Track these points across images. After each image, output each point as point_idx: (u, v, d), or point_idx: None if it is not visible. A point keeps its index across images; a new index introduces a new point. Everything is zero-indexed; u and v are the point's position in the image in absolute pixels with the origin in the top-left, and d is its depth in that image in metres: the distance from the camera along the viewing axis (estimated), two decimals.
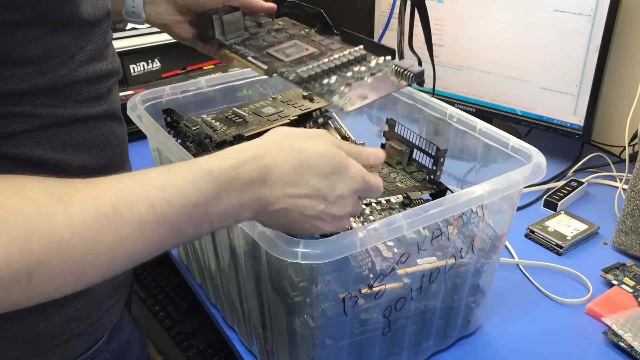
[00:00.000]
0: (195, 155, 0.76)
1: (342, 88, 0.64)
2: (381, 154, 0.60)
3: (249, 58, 0.69)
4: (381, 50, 0.70)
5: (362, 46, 0.71)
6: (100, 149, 0.59)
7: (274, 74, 0.66)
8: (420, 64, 0.88)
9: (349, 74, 0.66)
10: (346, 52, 0.69)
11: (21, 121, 0.50)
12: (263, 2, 0.76)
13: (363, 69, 0.67)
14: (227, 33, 0.73)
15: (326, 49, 0.71)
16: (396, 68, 0.67)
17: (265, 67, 0.66)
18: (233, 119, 0.85)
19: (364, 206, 0.73)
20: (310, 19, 0.77)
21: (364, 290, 0.63)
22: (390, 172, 0.83)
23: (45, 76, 0.50)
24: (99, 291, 0.61)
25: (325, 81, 0.65)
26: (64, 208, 0.41)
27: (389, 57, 0.69)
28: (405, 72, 0.66)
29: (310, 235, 0.57)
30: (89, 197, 0.43)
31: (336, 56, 0.68)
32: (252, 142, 0.53)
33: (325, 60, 0.67)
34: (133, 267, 0.72)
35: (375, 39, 1.28)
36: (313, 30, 0.76)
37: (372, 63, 0.68)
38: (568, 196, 1.07)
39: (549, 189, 1.11)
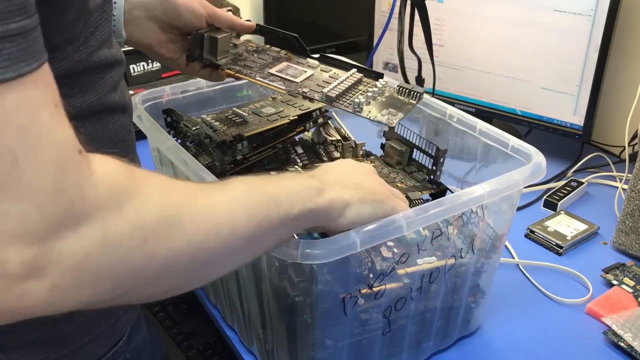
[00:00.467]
0: (195, 155, 0.76)
1: (366, 106, 0.70)
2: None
3: (257, 78, 0.73)
4: (371, 73, 0.77)
5: (355, 69, 0.76)
6: (115, 143, 0.58)
7: (297, 95, 0.70)
8: (420, 64, 0.88)
9: (367, 93, 0.73)
10: (348, 74, 0.75)
11: None
12: (245, 22, 0.78)
13: (374, 89, 0.73)
14: (218, 53, 0.76)
15: (324, 70, 0.76)
16: (401, 89, 0.74)
17: (284, 88, 0.71)
18: (233, 119, 0.85)
19: None
20: (281, 42, 0.81)
21: (364, 290, 0.63)
22: (390, 172, 0.83)
23: (62, 63, 0.49)
24: None
25: (352, 99, 0.71)
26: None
27: (383, 80, 0.76)
28: (412, 92, 0.74)
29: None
30: (250, 196, 0.49)
31: (342, 78, 0.74)
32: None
33: (336, 82, 0.73)
34: None
35: (375, 39, 1.28)
36: (290, 53, 0.80)
37: (379, 84, 0.75)
38: (568, 196, 1.07)
39: (549, 189, 1.11)
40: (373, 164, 0.86)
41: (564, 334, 0.81)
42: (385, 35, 1.17)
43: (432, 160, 0.81)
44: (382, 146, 0.88)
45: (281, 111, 0.87)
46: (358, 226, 0.58)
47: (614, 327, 0.79)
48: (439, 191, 0.79)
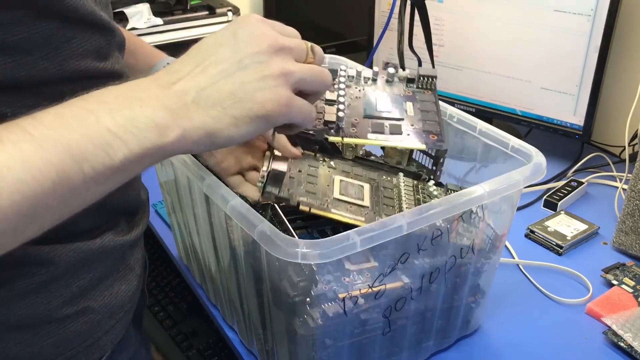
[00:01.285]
0: (195, 155, 0.76)
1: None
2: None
3: (333, 211, 0.67)
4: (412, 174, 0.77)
5: (402, 174, 0.76)
6: None
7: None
8: (420, 64, 0.88)
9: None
10: (395, 181, 0.75)
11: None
12: (294, 149, 0.68)
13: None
14: (283, 185, 0.68)
15: (373, 179, 0.75)
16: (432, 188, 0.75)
17: (362, 218, 0.67)
18: None
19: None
20: (310, 144, 0.77)
21: (364, 290, 0.63)
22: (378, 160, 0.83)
23: (22, 69, 0.45)
24: (99, 311, 0.57)
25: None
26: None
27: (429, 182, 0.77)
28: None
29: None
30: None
31: (402, 189, 0.74)
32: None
33: (403, 196, 0.72)
34: (144, 281, 0.70)
35: (375, 39, 1.28)
36: (324, 157, 0.77)
37: (431, 188, 0.75)
38: (568, 196, 1.07)
39: (549, 189, 1.11)
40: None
41: (564, 334, 0.81)
42: (385, 35, 1.17)
43: (432, 160, 0.81)
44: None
45: None
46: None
47: (614, 327, 0.79)
48: None
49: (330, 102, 0.68)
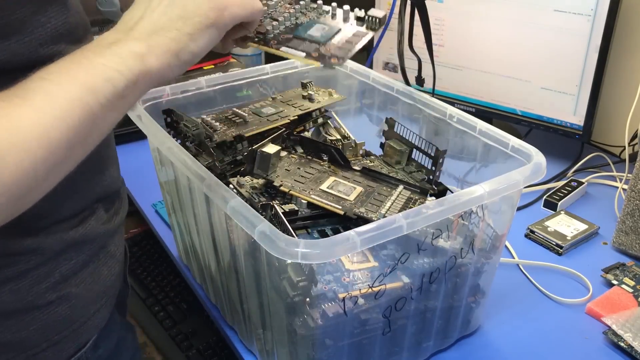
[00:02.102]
0: (195, 155, 0.76)
1: None
2: None
3: (313, 197, 0.71)
4: (416, 188, 0.77)
5: (402, 187, 0.76)
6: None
7: (354, 217, 0.69)
8: (420, 64, 0.88)
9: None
10: (397, 193, 0.75)
11: None
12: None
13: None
14: (270, 169, 0.75)
15: (371, 186, 0.76)
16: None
17: (340, 207, 0.70)
18: (233, 119, 0.85)
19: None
20: (320, 152, 0.81)
21: (364, 290, 0.63)
22: (389, 172, 0.83)
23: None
24: (82, 296, 0.59)
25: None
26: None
27: (431, 197, 0.76)
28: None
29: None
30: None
31: (393, 197, 0.74)
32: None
33: (389, 204, 0.72)
34: (125, 270, 0.71)
35: (375, 39, 1.28)
36: (334, 167, 0.79)
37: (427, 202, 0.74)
38: (568, 196, 1.07)
39: (549, 189, 1.11)
40: (372, 163, 0.86)
41: (564, 334, 0.81)
42: (385, 35, 1.16)
43: (431, 160, 0.81)
44: (382, 146, 0.88)
45: (281, 111, 0.87)
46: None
47: (614, 327, 0.79)
48: (439, 191, 0.79)
49: (273, 19, 0.71)
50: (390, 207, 0.71)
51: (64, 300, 0.57)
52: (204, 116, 0.86)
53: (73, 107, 0.44)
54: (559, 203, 1.05)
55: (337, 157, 0.80)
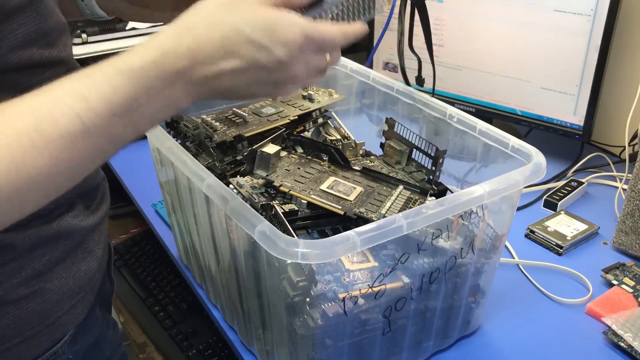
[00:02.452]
0: (195, 155, 0.76)
1: None
2: None
3: (313, 196, 0.71)
4: (416, 189, 0.77)
5: (402, 187, 0.76)
6: None
7: (354, 216, 0.69)
8: (420, 64, 0.88)
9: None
10: (397, 193, 0.75)
11: None
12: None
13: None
14: (269, 168, 0.76)
15: (371, 186, 0.76)
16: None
17: (340, 207, 0.70)
18: (233, 119, 0.85)
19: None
20: (321, 152, 0.81)
21: (364, 290, 0.63)
22: (389, 172, 0.83)
23: None
24: (56, 291, 0.58)
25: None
26: None
27: (431, 197, 0.76)
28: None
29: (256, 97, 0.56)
30: (6, 122, 0.42)
31: (393, 197, 0.74)
32: (172, 27, 0.49)
33: (389, 204, 0.72)
34: (108, 265, 0.71)
35: (375, 39, 1.28)
36: (333, 167, 0.79)
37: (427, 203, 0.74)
38: (568, 196, 1.07)
39: (549, 189, 1.11)
40: (372, 163, 0.86)
41: (564, 334, 0.81)
42: (385, 35, 1.16)
43: (431, 160, 0.81)
44: (382, 146, 0.88)
45: (281, 111, 0.87)
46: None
47: (614, 327, 0.79)
48: (439, 192, 0.79)
49: None
50: (390, 207, 0.71)
51: (37, 295, 0.56)
52: (204, 116, 0.86)
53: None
54: (559, 203, 1.05)
55: (337, 157, 0.80)
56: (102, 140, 0.46)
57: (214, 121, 0.84)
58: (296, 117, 0.87)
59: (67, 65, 0.57)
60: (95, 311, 0.67)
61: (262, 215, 0.59)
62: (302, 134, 0.87)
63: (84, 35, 1.19)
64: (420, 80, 0.91)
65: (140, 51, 0.47)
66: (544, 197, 1.08)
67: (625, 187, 0.97)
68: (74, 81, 0.45)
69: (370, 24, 1.35)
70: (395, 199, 0.73)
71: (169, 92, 0.48)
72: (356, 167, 0.80)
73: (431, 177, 0.80)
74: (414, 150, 0.84)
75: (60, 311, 0.59)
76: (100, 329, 0.68)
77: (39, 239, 0.55)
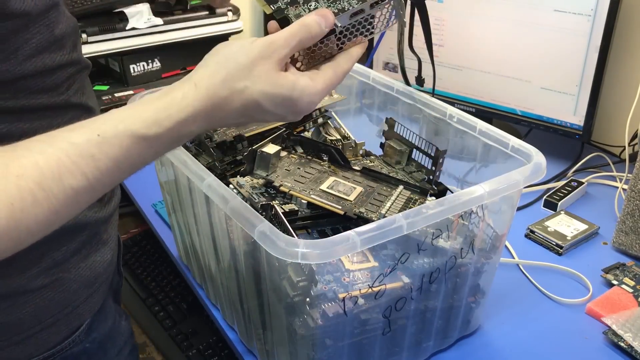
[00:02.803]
0: (195, 155, 0.76)
1: None
2: (323, 15, 0.54)
3: (313, 197, 0.71)
4: (416, 189, 0.77)
5: (402, 187, 0.77)
6: None
7: (354, 216, 0.69)
8: (420, 64, 0.88)
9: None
10: (397, 193, 0.75)
11: None
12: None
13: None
14: (270, 168, 0.76)
15: (371, 186, 0.76)
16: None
17: (340, 207, 0.70)
18: None
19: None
20: (321, 152, 0.82)
21: (364, 290, 0.63)
22: (389, 172, 0.83)
23: None
24: (75, 280, 0.60)
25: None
26: None
27: (431, 197, 0.77)
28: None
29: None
30: (9, 177, 0.42)
31: (393, 198, 0.74)
32: (193, 90, 0.50)
33: (389, 204, 0.72)
34: (118, 258, 0.72)
35: (375, 39, 1.28)
36: (333, 167, 0.80)
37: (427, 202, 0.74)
38: (568, 196, 1.07)
39: (549, 189, 1.11)
40: (372, 163, 0.86)
41: (564, 334, 0.81)
42: (385, 35, 1.17)
43: (431, 160, 0.81)
44: (382, 146, 0.88)
45: None
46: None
47: (614, 327, 0.79)
48: (439, 192, 0.79)
49: None
50: (390, 207, 0.71)
51: (56, 284, 0.58)
52: None
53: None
54: (559, 203, 1.05)
55: (337, 157, 0.80)
56: (103, 190, 0.47)
57: None
58: None
59: (77, 66, 0.58)
60: (109, 301, 0.69)
61: (262, 215, 0.59)
62: (302, 134, 0.87)
63: (84, 35, 1.19)
64: (420, 80, 0.91)
65: (160, 116, 0.48)
66: (544, 197, 1.08)
67: (625, 187, 0.97)
68: (84, 135, 0.45)
69: None
70: (395, 199, 0.73)
71: (180, 144, 0.52)
72: (356, 167, 0.80)
73: (431, 177, 0.80)
74: (414, 150, 0.84)
75: (78, 300, 0.61)
76: (114, 319, 0.70)
77: (57, 230, 0.56)
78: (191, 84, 0.50)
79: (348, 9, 0.59)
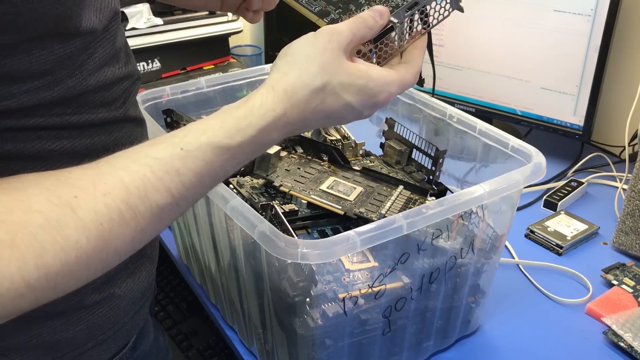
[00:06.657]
0: None
1: None
2: (377, 9, 0.56)
3: (313, 197, 0.72)
4: (416, 189, 0.78)
5: (402, 187, 0.77)
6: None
7: (354, 217, 0.69)
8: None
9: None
10: (397, 193, 0.76)
11: (38, 134, 0.48)
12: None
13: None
14: (270, 169, 0.76)
15: (371, 186, 0.76)
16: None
17: (340, 207, 0.70)
18: None
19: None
20: (321, 152, 0.82)
21: (364, 290, 0.63)
22: (389, 172, 0.83)
23: (54, 89, 0.48)
24: (124, 297, 0.59)
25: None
26: (72, 212, 0.40)
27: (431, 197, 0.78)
28: None
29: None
30: (97, 196, 0.41)
31: (393, 198, 0.75)
32: (272, 94, 0.49)
33: (389, 204, 0.73)
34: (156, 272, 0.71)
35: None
36: (333, 167, 0.80)
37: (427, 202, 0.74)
38: (568, 196, 1.07)
39: (549, 189, 1.11)
40: (372, 163, 0.86)
41: (564, 334, 0.81)
42: None
43: (431, 160, 0.81)
44: (382, 146, 0.88)
45: None
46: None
47: (614, 327, 0.79)
48: (439, 192, 0.79)
49: None
50: (390, 207, 0.71)
51: (108, 301, 0.57)
52: (204, 116, 0.86)
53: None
54: (559, 203, 1.05)
55: (337, 157, 0.80)
56: (187, 206, 0.47)
57: None
58: None
59: (131, 79, 0.59)
60: (148, 317, 0.68)
61: (262, 215, 0.59)
62: (302, 134, 0.87)
63: None
64: (420, 80, 0.91)
65: (241, 125, 0.47)
66: (544, 197, 1.08)
67: (625, 187, 0.97)
68: (167, 149, 0.45)
69: None
70: (395, 199, 0.73)
71: (259, 154, 0.51)
72: (356, 167, 0.80)
73: (431, 177, 0.80)
74: (414, 150, 0.84)
75: (127, 317, 0.60)
76: (154, 334, 0.69)
77: None
78: (268, 89, 0.49)
79: (401, 4, 0.59)
